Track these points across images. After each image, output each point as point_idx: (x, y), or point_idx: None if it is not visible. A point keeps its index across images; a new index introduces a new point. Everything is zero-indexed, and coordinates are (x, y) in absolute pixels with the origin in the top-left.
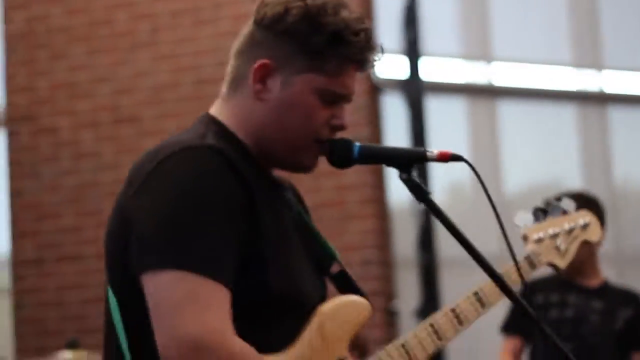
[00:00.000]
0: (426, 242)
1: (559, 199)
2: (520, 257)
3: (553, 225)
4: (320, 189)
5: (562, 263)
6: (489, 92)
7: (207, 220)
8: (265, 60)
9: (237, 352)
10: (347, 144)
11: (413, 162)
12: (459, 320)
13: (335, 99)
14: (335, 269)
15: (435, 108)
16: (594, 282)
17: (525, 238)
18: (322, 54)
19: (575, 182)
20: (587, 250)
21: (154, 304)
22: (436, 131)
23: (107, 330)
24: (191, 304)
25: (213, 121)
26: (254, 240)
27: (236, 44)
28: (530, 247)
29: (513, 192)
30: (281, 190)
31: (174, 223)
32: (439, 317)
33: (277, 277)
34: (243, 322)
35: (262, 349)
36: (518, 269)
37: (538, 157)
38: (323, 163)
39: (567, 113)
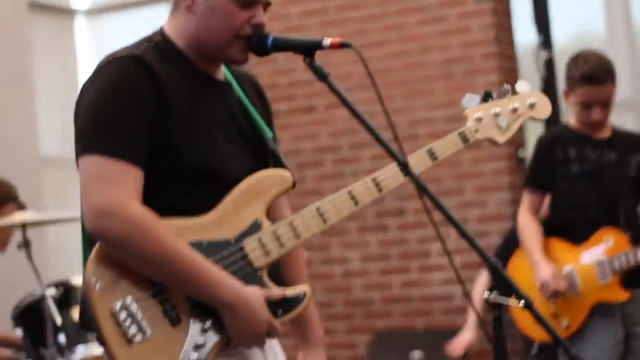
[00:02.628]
0: (549, 91)
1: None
2: (454, 134)
3: (497, 106)
4: (448, 46)
5: (502, 138)
6: None
7: (118, 115)
8: None
9: (133, 214)
10: (262, 37)
11: (313, 49)
12: (379, 187)
13: (250, 1)
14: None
15: None
16: (605, 133)
17: (466, 118)
18: None
19: None
20: (607, 110)
21: (80, 183)
22: (566, 4)
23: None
24: (100, 181)
25: (160, 33)
26: (165, 124)
27: None
28: (467, 125)
29: None
30: (217, 84)
31: (95, 119)
32: (357, 185)
33: (190, 153)
34: (165, 191)
35: (184, 214)
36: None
37: None
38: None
39: None
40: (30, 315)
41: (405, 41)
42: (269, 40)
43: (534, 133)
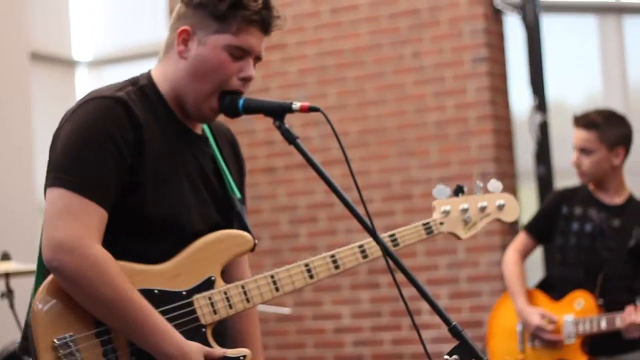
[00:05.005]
0: (542, 155)
1: (488, 180)
2: (419, 224)
3: (466, 202)
4: (444, 107)
5: (465, 235)
6: (616, 10)
7: (94, 154)
8: (185, 27)
9: (91, 253)
10: (235, 99)
11: (283, 112)
12: (336, 265)
13: (242, 54)
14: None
15: (561, 27)
16: (617, 199)
17: (433, 209)
18: (226, 17)
19: None
20: (609, 169)
21: (44, 214)
22: (562, 49)
23: None
24: (64, 215)
25: (147, 77)
26: (137, 171)
27: (170, 21)
28: (434, 216)
29: None
30: (193, 138)
31: (70, 154)
32: (316, 259)
33: (154, 203)
34: (126, 236)
35: (141, 260)
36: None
37: None
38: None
39: None
40: None
41: (401, 101)
42: (240, 103)
43: (527, 196)
